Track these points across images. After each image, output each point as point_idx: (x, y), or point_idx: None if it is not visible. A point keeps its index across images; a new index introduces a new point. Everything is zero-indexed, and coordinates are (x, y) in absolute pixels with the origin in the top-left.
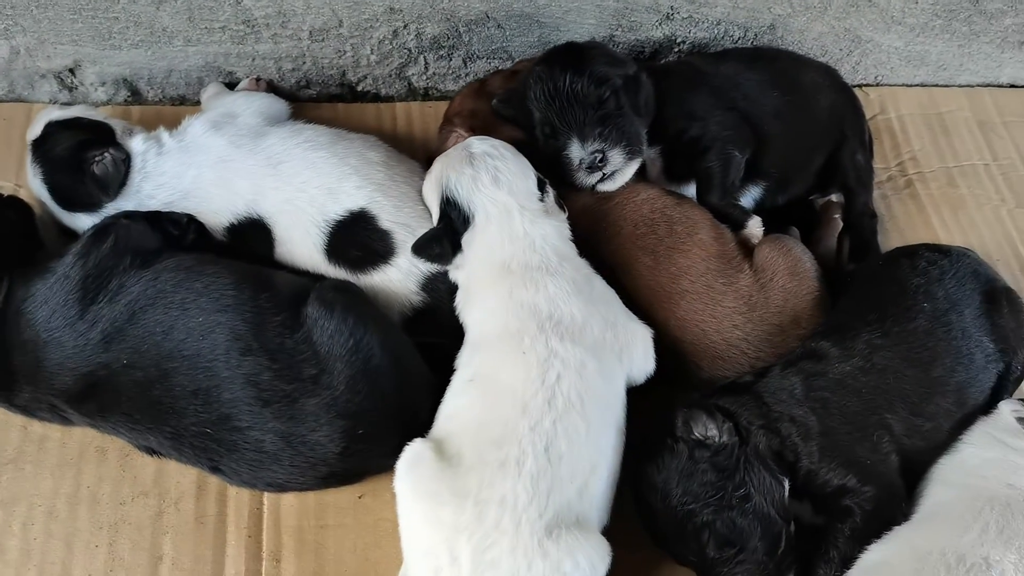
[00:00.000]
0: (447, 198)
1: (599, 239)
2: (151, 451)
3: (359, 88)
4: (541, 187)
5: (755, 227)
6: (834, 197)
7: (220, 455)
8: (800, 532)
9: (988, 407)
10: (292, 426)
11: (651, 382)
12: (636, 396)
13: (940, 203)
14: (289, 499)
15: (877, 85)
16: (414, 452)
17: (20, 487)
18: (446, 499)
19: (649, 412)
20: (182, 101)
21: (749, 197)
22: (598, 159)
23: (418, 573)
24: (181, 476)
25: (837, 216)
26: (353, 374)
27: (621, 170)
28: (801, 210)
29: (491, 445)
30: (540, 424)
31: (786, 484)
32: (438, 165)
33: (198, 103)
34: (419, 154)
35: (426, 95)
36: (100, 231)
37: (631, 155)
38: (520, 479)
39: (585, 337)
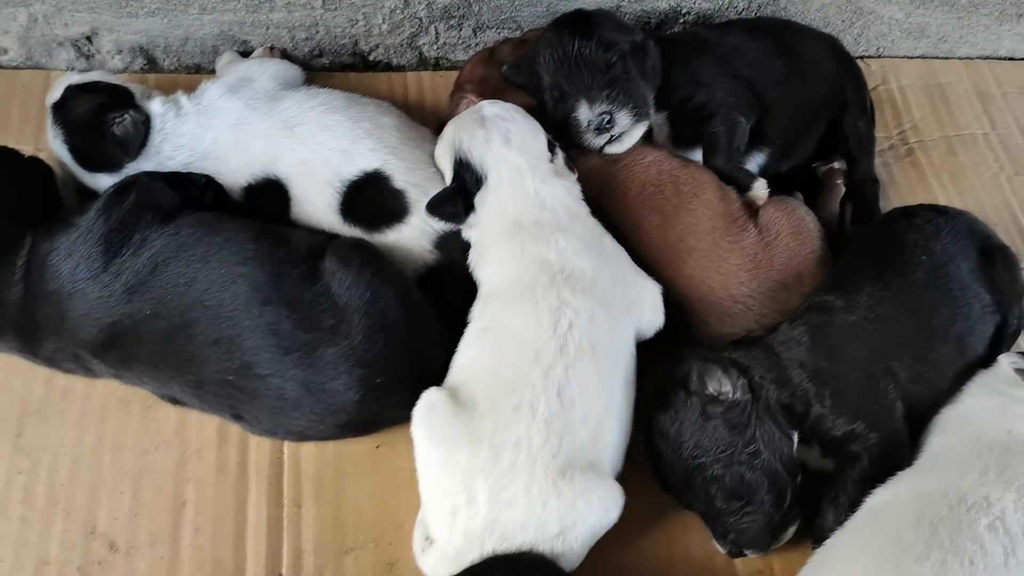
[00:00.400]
0: (460, 159)
1: (607, 200)
2: (174, 400)
3: (371, 58)
4: (551, 148)
5: (760, 189)
6: (836, 164)
7: (242, 402)
8: (808, 476)
9: (987, 360)
10: (312, 374)
11: (659, 337)
12: (645, 351)
13: (940, 170)
14: (308, 449)
15: (879, 57)
16: (429, 399)
17: (45, 437)
18: (462, 442)
19: (658, 368)
20: (197, 70)
21: (753, 164)
22: (606, 120)
23: (436, 515)
24: (203, 426)
25: (839, 182)
26: (370, 325)
27: (628, 132)
28: (804, 177)
29: (504, 390)
30: (552, 370)
31: (795, 439)
32: (450, 128)
33: (213, 72)
34: (430, 123)
35: (437, 65)
36: (121, 188)
37: (638, 117)
38: (534, 422)
39: (595, 290)
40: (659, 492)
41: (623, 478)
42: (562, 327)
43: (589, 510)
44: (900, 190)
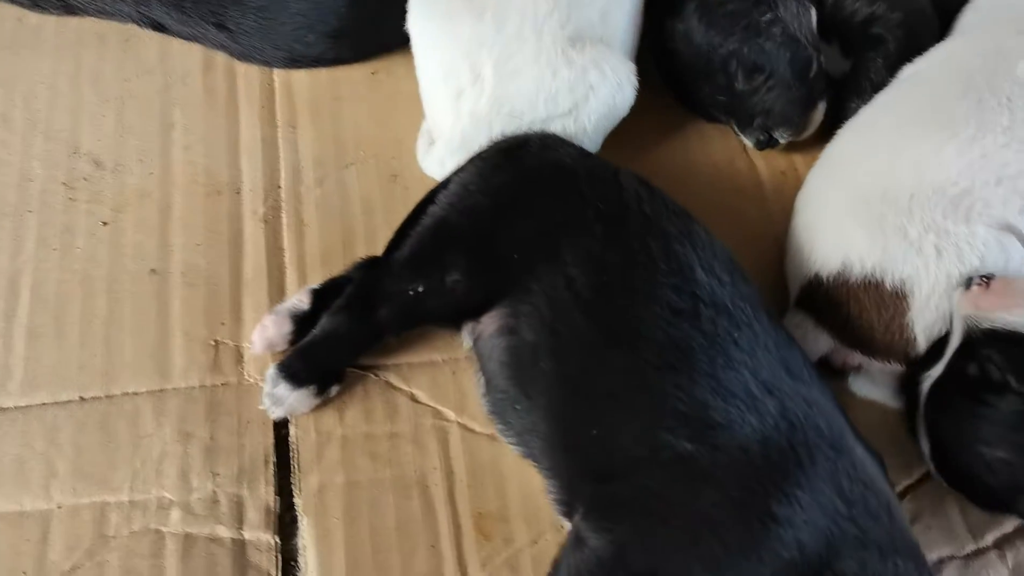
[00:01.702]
0: None
1: None
2: (156, 25)
3: None
4: None
5: None
6: None
7: (225, 7)
8: (831, 83)
9: None
10: None
11: None
12: None
13: None
14: (300, 76)
15: None
16: None
17: (18, 68)
18: (463, 15)
19: None
20: None
21: None
22: None
23: (440, 104)
24: (186, 56)
25: None
26: None
27: None
28: None
29: None
30: None
31: (813, 13)
32: None
33: None
34: None
35: None
36: None
37: None
38: None
39: None
40: (671, 111)
41: None
42: None
43: (602, 81)
44: None
